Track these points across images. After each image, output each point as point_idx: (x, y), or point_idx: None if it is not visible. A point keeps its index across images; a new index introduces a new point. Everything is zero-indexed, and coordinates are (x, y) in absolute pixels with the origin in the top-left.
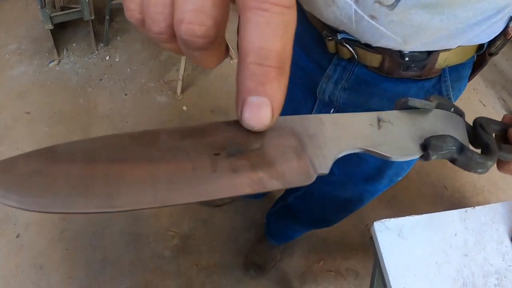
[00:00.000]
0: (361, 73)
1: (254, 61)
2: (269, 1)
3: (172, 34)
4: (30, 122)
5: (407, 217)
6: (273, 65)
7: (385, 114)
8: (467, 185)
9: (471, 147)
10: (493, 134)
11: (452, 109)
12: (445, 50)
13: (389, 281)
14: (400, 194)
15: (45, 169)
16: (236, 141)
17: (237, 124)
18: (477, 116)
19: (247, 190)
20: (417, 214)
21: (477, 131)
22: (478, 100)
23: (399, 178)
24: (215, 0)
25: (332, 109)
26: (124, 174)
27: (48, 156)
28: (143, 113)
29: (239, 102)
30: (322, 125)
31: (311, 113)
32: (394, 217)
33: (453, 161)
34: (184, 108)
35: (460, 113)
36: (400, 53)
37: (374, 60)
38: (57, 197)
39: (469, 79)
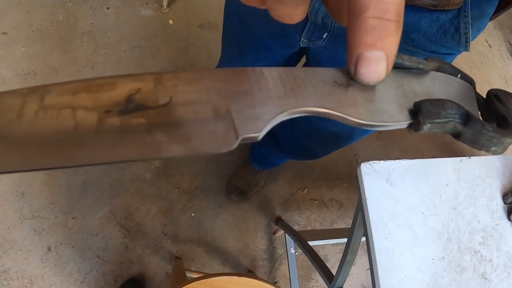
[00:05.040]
0: None
1: (373, 15)
2: None
3: None
4: (7, 43)
5: (397, 160)
6: (393, 18)
7: None
8: None
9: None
10: None
11: (459, 75)
12: None
13: (370, 229)
14: None
15: None
16: (137, 96)
17: (148, 76)
18: (481, 56)
19: (137, 156)
20: (408, 148)
21: (491, 102)
22: (484, 40)
23: None
24: None
25: (326, 33)
26: None
27: None
28: (126, 27)
29: (353, 57)
30: (262, 80)
31: (300, 37)
32: (383, 148)
33: (457, 135)
34: (170, 22)
35: (469, 81)
36: None
37: None
38: None
39: (491, 18)
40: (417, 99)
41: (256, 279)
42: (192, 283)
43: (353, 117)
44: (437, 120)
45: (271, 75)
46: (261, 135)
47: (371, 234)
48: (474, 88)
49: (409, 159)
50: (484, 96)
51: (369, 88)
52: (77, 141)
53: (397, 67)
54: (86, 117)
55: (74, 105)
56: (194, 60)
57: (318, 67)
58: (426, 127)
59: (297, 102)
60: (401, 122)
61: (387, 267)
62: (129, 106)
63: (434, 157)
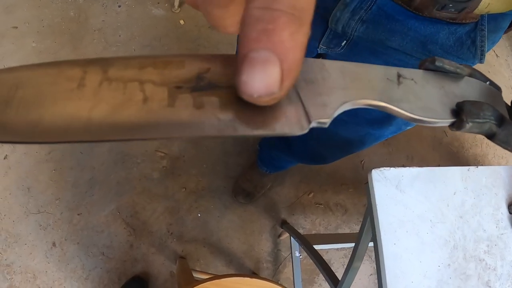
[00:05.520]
0: (385, 5)
1: (259, 5)
2: None
3: None
4: (17, 38)
5: (407, 168)
6: (283, 8)
7: (407, 71)
8: (467, 135)
9: None
10: None
11: (488, 82)
12: None
13: (380, 235)
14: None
15: None
16: (207, 75)
17: (216, 57)
18: (488, 65)
19: (212, 132)
20: (413, 156)
21: None
22: (492, 50)
23: (408, 127)
24: None
25: (344, 41)
26: (54, 101)
27: None
28: (137, 26)
29: (238, 62)
30: (324, 71)
31: (318, 43)
32: (389, 155)
33: (491, 136)
34: (181, 22)
35: (497, 88)
36: None
37: None
38: None
39: (504, 32)
40: (457, 100)
41: (268, 281)
42: (204, 283)
43: (407, 112)
44: (477, 120)
45: (332, 66)
46: (329, 121)
47: (380, 240)
48: (501, 95)
49: (415, 166)
50: (509, 104)
51: (417, 86)
52: (149, 113)
53: (438, 70)
54: (155, 91)
55: (141, 79)
56: None
57: (368, 64)
58: (468, 125)
59: (358, 95)
60: (446, 119)
61: (395, 273)
62: (201, 83)
63: (439, 165)
